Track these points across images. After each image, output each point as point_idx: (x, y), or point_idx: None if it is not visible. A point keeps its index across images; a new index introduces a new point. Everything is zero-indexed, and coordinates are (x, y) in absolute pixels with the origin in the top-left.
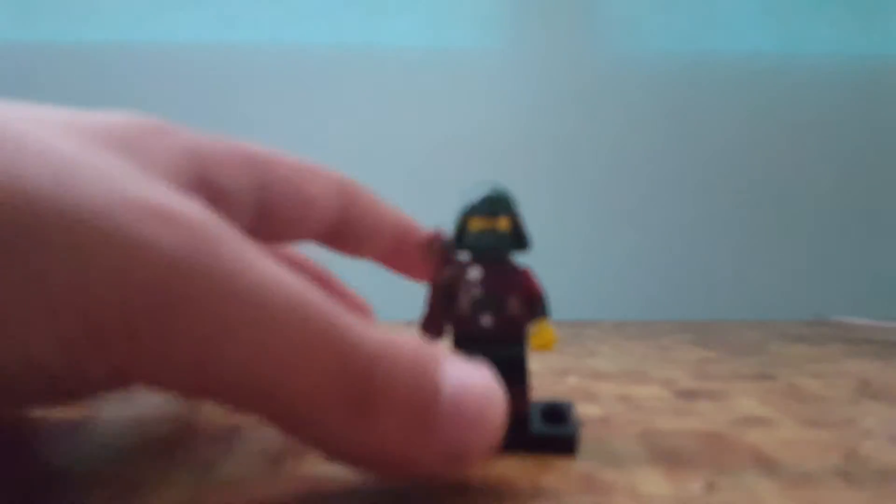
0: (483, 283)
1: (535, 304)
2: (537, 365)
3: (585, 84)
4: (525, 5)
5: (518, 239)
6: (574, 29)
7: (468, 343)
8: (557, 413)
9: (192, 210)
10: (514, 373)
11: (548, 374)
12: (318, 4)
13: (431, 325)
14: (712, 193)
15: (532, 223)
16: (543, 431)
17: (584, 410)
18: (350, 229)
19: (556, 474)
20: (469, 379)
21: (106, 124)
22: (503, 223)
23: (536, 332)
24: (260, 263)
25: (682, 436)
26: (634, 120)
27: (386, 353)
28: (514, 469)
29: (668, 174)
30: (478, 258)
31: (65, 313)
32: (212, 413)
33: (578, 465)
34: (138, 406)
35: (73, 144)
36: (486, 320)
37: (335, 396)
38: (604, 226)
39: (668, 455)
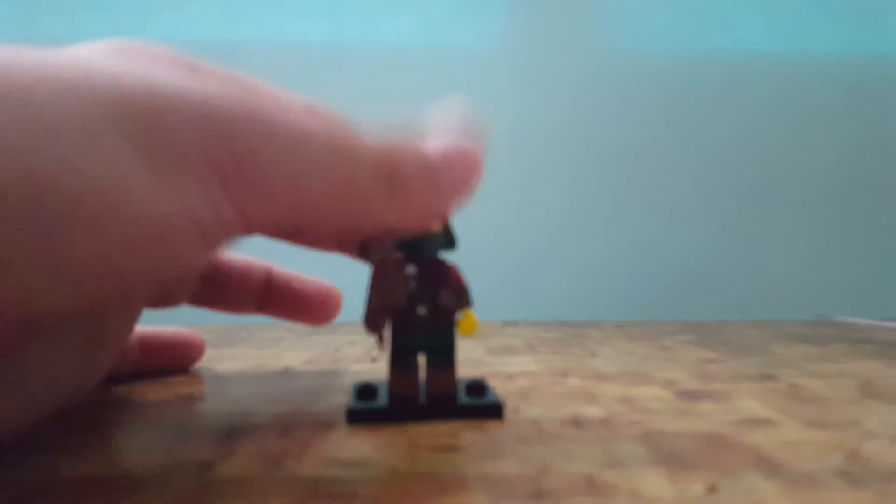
0: (418, 279)
1: (461, 296)
2: (538, 366)
3: (585, 83)
4: (524, 4)
5: (448, 240)
6: (573, 28)
7: (406, 330)
8: (478, 387)
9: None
10: (444, 355)
11: (549, 375)
12: (317, 3)
13: (373, 321)
14: (715, 193)
15: (532, 223)
16: (471, 403)
17: (586, 412)
18: None
19: (556, 475)
20: (445, 146)
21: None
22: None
23: (463, 320)
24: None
25: (683, 437)
26: (634, 119)
27: (395, 149)
28: (514, 470)
29: (670, 174)
30: (412, 257)
31: (196, 168)
32: (212, 413)
33: (579, 467)
34: (138, 407)
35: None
36: (422, 310)
37: (376, 187)
38: (605, 225)
39: (670, 456)
